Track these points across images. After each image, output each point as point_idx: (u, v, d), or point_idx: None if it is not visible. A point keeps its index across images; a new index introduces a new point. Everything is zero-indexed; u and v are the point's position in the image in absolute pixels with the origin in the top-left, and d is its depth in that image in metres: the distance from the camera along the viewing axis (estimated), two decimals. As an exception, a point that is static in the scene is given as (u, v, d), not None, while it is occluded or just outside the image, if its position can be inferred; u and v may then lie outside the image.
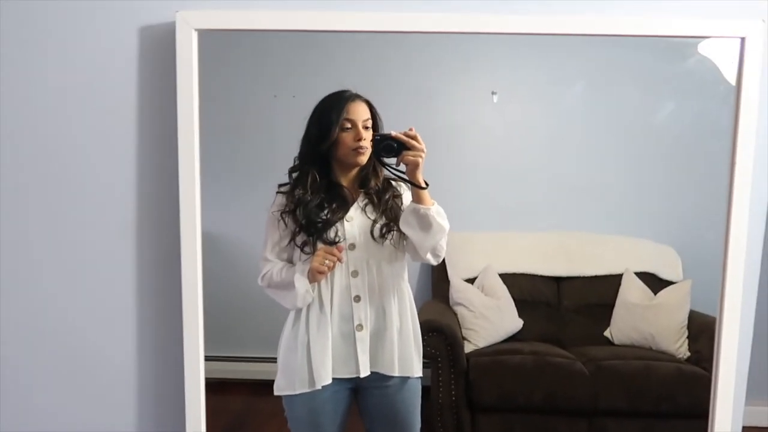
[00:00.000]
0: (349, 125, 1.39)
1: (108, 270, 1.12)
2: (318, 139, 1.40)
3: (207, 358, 2.71)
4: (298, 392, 1.39)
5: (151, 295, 1.12)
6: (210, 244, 2.78)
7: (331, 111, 1.39)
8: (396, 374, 1.42)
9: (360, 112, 1.41)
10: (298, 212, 1.37)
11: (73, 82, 1.06)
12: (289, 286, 1.35)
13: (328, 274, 1.37)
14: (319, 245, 1.36)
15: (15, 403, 1.14)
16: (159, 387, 1.16)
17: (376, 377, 1.41)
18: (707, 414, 2.14)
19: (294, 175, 1.42)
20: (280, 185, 1.45)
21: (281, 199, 1.43)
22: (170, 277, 1.10)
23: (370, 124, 1.42)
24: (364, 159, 1.41)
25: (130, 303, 1.12)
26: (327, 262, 1.32)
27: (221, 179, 2.74)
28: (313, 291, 1.36)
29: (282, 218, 1.40)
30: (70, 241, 1.11)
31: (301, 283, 1.34)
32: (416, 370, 1.46)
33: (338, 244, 1.37)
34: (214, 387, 2.83)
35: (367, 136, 1.41)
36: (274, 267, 1.40)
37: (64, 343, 1.13)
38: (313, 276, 1.34)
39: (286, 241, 1.39)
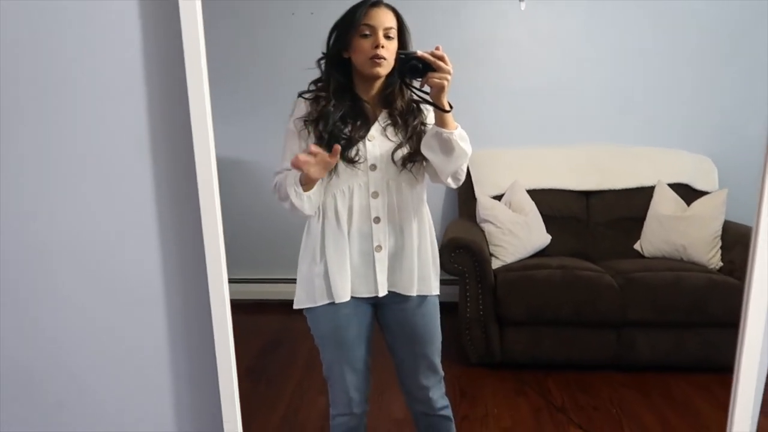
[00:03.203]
0: (368, 32, 1.28)
1: (125, 192, 1.12)
2: (336, 43, 1.32)
3: (244, 281, 2.81)
4: (318, 304, 1.39)
5: (172, 212, 1.12)
6: (242, 172, 2.81)
7: (351, 15, 1.30)
8: (414, 294, 1.40)
9: (382, 19, 1.29)
10: (320, 125, 1.30)
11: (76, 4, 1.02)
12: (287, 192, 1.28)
13: (347, 194, 1.37)
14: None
15: (48, 326, 1.18)
16: (187, 308, 1.18)
17: (394, 296, 1.41)
18: (739, 322, 2.14)
19: (318, 84, 1.36)
20: (301, 92, 1.38)
21: (304, 106, 1.34)
22: (190, 197, 1.09)
23: (394, 33, 1.30)
24: (381, 71, 1.30)
25: (151, 224, 1.12)
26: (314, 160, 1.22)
27: (255, 110, 2.70)
28: (306, 199, 1.29)
29: (306, 126, 1.32)
30: (84, 164, 1.11)
31: (292, 189, 1.27)
32: (434, 288, 1.44)
33: (358, 162, 1.32)
34: (252, 308, 2.97)
35: (388, 45, 1.29)
36: (282, 176, 1.33)
37: (87, 262, 1.15)
38: (305, 179, 1.26)
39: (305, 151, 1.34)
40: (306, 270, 1.41)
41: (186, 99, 1.00)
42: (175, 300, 1.17)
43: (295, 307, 1.43)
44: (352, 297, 1.38)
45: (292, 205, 1.31)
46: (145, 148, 1.09)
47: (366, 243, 1.37)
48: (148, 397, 1.22)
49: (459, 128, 1.28)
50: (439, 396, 1.47)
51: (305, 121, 1.33)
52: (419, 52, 1.22)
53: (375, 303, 1.43)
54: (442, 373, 1.48)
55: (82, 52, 1.06)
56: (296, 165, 1.23)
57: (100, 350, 1.19)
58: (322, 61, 1.36)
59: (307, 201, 1.31)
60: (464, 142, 1.30)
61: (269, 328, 2.64)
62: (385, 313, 1.45)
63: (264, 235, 2.60)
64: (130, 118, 1.08)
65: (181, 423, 1.24)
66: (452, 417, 1.50)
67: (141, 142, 1.09)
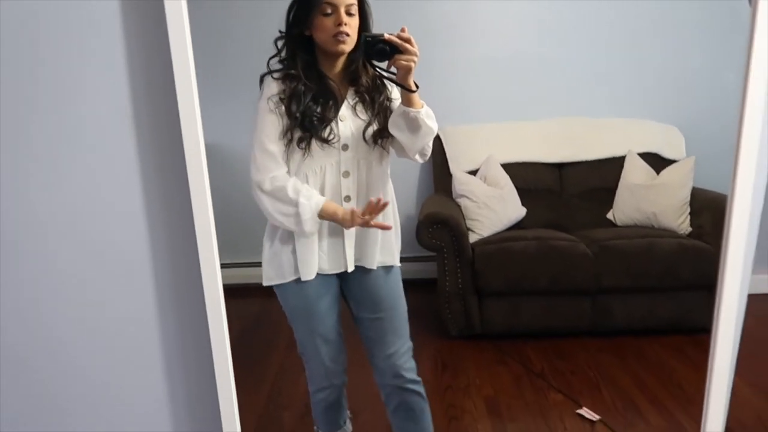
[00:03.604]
0: (329, 10, 1.27)
1: (110, 166, 1.10)
2: (296, 22, 1.31)
3: (222, 266, 2.77)
4: (288, 280, 1.41)
5: (158, 186, 1.11)
6: (212, 156, 2.75)
7: None
8: (376, 267, 1.45)
9: None
10: (293, 105, 1.30)
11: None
12: (297, 212, 1.32)
13: (319, 174, 1.36)
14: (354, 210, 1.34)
15: (31, 303, 1.16)
16: (178, 293, 1.17)
17: (359, 269, 1.45)
18: (709, 285, 2.20)
19: (283, 57, 1.33)
20: (265, 73, 1.34)
21: (275, 85, 1.32)
22: (177, 170, 1.09)
23: (355, 10, 1.30)
24: (345, 47, 1.30)
25: (138, 202, 1.11)
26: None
27: (223, 95, 2.64)
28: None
29: (281, 103, 1.31)
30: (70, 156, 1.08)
31: (310, 222, 1.33)
32: (396, 259, 1.47)
33: (332, 141, 1.32)
34: (232, 292, 2.92)
35: (350, 21, 1.29)
36: (284, 178, 1.32)
37: (72, 236, 1.13)
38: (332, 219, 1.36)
39: (282, 131, 1.32)
40: (276, 247, 1.41)
41: (170, 69, 0.98)
42: (166, 290, 1.16)
43: (264, 284, 1.44)
44: (318, 273, 1.40)
45: (292, 218, 1.33)
46: (129, 119, 1.07)
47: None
48: (141, 388, 1.22)
49: (425, 106, 1.30)
50: (408, 366, 1.47)
51: (281, 98, 1.32)
52: (386, 35, 1.23)
53: (340, 274, 1.45)
54: (410, 342, 1.48)
55: (65, 26, 1.04)
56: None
57: (86, 328, 1.18)
58: (280, 41, 1.35)
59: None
60: (430, 120, 1.32)
61: (248, 311, 2.62)
62: (350, 283, 1.47)
63: (239, 219, 2.56)
64: (114, 87, 1.06)
65: (178, 422, 1.24)
66: (425, 396, 1.49)
67: (124, 114, 1.07)
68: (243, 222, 2.57)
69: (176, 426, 1.23)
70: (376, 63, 1.29)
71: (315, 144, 1.33)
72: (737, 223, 0.99)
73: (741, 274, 1.01)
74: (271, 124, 1.33)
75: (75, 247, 1.13)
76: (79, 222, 1.12)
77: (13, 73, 1.05)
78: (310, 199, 1.32)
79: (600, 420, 1.79)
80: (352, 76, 1.37)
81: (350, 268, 1.41)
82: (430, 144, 1.40)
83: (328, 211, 1.33)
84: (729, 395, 1.20)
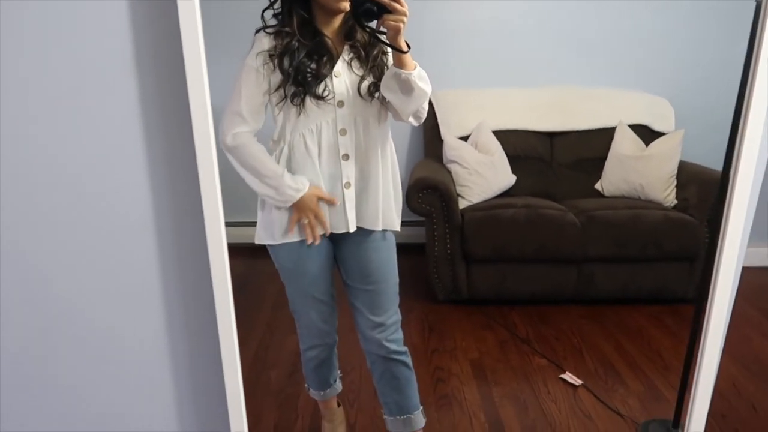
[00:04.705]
0: None
1: (111, 117, 1.07)
2: None
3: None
4: (286, 241, 1.39)
5: (161, 137, 1.09)
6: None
7: None
8: (379, 229, 1.43)
9: None
10: (286, 61, 1.26)
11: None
12: (261, 176, 1.34)
13: (315, 132, 1.34)
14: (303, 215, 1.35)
15: (29, 258, 1.15)
16: (181, 252, 1.16)
17: (358, 231, 1.43)
18: (691, 257, 2.29)
19: (277, 11, 1.28)
20: (261, 27, 1.29)
21: (266, 41, 1.28)
22: (183, 141, 1.06)
23: None
24: (347, 5, 1.27)
25: (139, 150, 1.08)
26: (307, 220, 1.36)
27: (220, 50, 2.55)
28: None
29: (270, 60, 1.27)
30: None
31: (291, 186, 1.34)
32: (395, 224, 1.46)
33: (327, 98, 1.30)
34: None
35: None
36: (249, 140, 1.32)
37: (72, 190, 1.11)
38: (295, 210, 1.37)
39: (266, 90, 1.29)
40: (273, 209, 1.39)
41: (176, 23, 0.94)
42: (169, 251, 1.15)
43: (256, 242, 1.42)
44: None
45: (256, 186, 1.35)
46: (131, 67, 1.03)
47: (335, 180, 1.37)
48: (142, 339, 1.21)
49: (417, 68, 1.28)
50: (394, 338, 1.47)
51: (270, 54, 1.28)
52: None
53: (333, 239, 1.44)
54: (398, 315, 1.48)
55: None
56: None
57: (85, 286, 1.16)
58: None
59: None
60: (423, 82, 1.30)
61: (235, 271, 2.61)
62: (342, 248, 1.46)
63: (224, 178, 2.51)
64: (117, 39, 1.03)
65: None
66: (411, 366, 1.50)
67: (128, 72, 1.03)
68: (228, 181, 2.55)
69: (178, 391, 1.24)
70: (366, 26, 1.27)
71: (310, 101, 1.30)
72: (738, 198, 1.01)
73: (738, 249, 1.03)
74: (252, 83, 1.28)
75: (76, 206, 1.11)
76: (81, 179, 1.09)
77: (12, 23, 1.01)
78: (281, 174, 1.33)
79: (582, 384, 1.85)
80: (348, 33, 1.35)
81: (351, 229, 1.40)
82: (425, 106, 1.37)
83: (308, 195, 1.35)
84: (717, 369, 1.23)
